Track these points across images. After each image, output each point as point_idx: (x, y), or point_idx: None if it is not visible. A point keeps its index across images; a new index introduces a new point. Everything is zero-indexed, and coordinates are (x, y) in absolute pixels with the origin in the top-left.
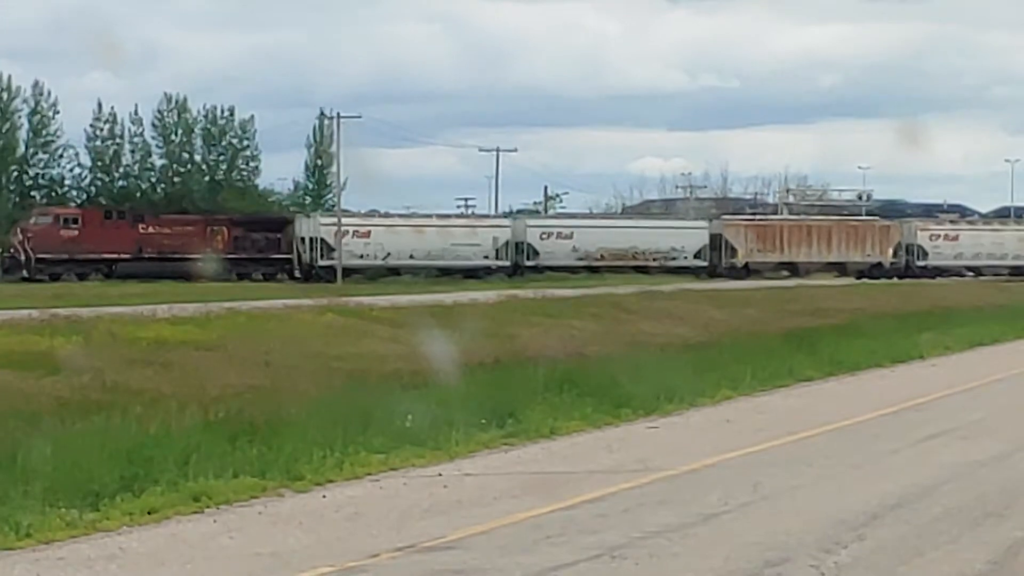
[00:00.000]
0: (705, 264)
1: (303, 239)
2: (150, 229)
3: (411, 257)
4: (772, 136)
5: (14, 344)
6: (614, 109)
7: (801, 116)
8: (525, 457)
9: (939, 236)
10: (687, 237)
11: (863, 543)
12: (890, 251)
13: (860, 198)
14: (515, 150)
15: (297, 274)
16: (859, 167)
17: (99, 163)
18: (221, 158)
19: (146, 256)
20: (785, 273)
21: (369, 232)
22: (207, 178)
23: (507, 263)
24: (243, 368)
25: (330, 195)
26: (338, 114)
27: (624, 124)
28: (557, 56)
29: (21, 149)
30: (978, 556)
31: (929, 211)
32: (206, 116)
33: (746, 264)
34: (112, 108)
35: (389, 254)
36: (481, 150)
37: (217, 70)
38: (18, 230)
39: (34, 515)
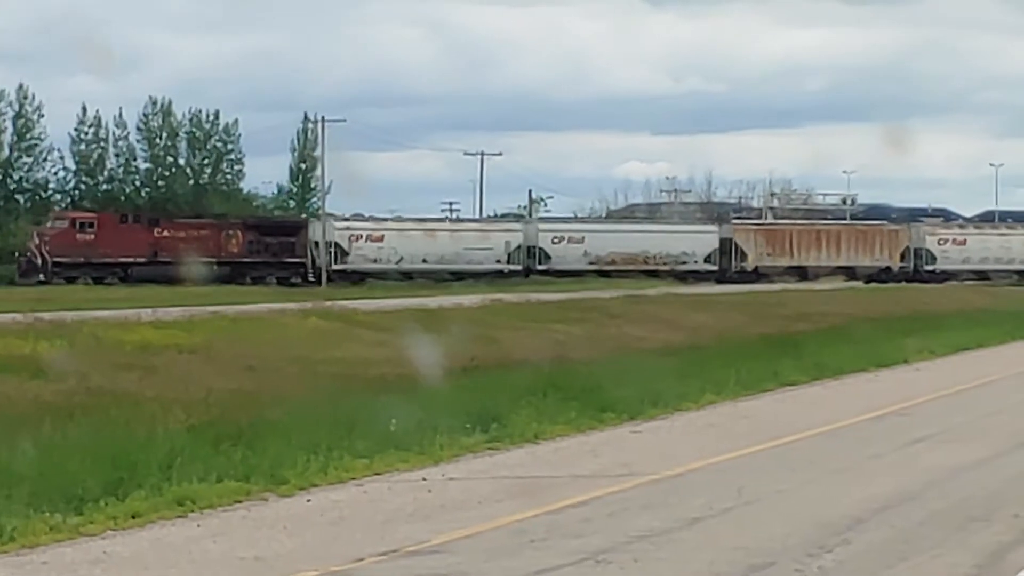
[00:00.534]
0: (715, 268)
1: (317, 243)
2: (165, 233)
3: (424, 261)
4: (757, 140)
5: None
6: (599, 113)
7: (786, 120)
8: (509, 461)
9: (947, 240)
10: (697, 241)
11: (848, 547)
12: (898, 255)
13: (845, 202)
14: (500, 154)
15: (311, 278)
16: (844, 171)
17: (83, 166)
18: (206, 162)
19: (161, 260)
20: (794, 278)
21: (382, 236)
22: (191, 181)
23: (519, 267)
24: (227, 372)
25: (314, 199)
26: (323, 118)
27: (609, 128)
28: (542, 60)
29: (5, 152)
30: (963, 560)
31: (914, 215)
32: (191, 120)
33: (756, 268)
34: (97, 111)
35: (402, 258)
36: (466, 154)
37: (202, 74)
38: (35, 234)
39: (18, 519)
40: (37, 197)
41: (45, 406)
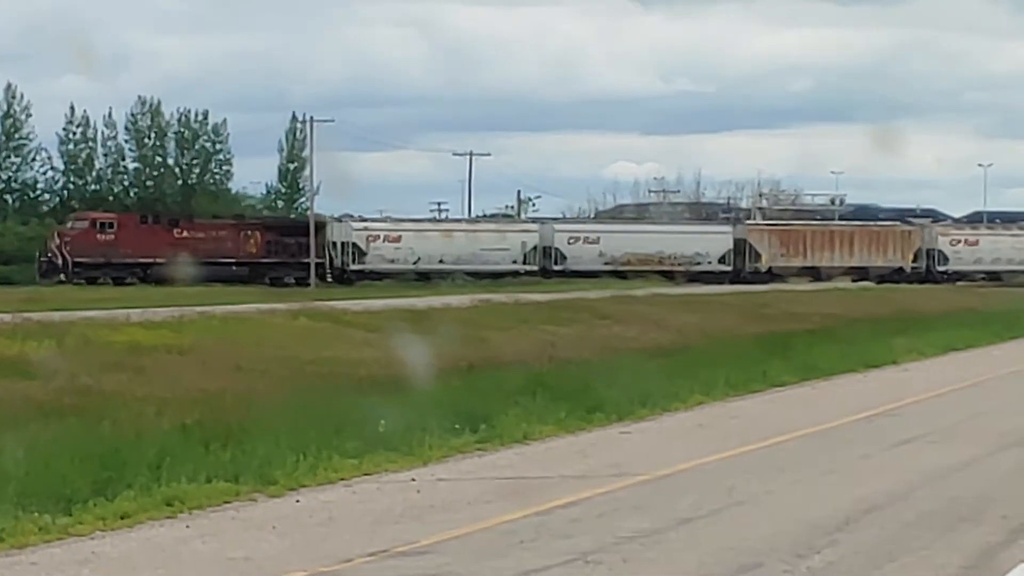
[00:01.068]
0: (729, 269)
1: (335, 243)
2: (185, 233)
3: (440, 261)
4: (745, 141)
5: None
6: (588, 113)
7: (775, 121)
8: (499, 462)
9: (959, 241)
10: (712, 242)
11: (836, 548)
12: (911, 256)
13: (833, 203)
14: (489, 154)
15: (329, 278)
16: (832, 172)
17: (72, 166)
18: (194, 161)
19: (181, 260)
20: (808, 278)
21: (399, 237)
22: (180, 182)
23: (535, 267)
24: (216, 372)
25: (303, 199)
26: (311, 118)
27: (598, 128)
28: (531, 60)
29: None
30: (952, 561)
31: (902, 216)
32: (179, 119)
33: (770, 269)
34: (85, 111)
35: (419, 258)
36: (455, 154)
37: (190, 74)
38: (55, 234)
39: (6, 519)
40: (25, 197)
41: (33, 406)
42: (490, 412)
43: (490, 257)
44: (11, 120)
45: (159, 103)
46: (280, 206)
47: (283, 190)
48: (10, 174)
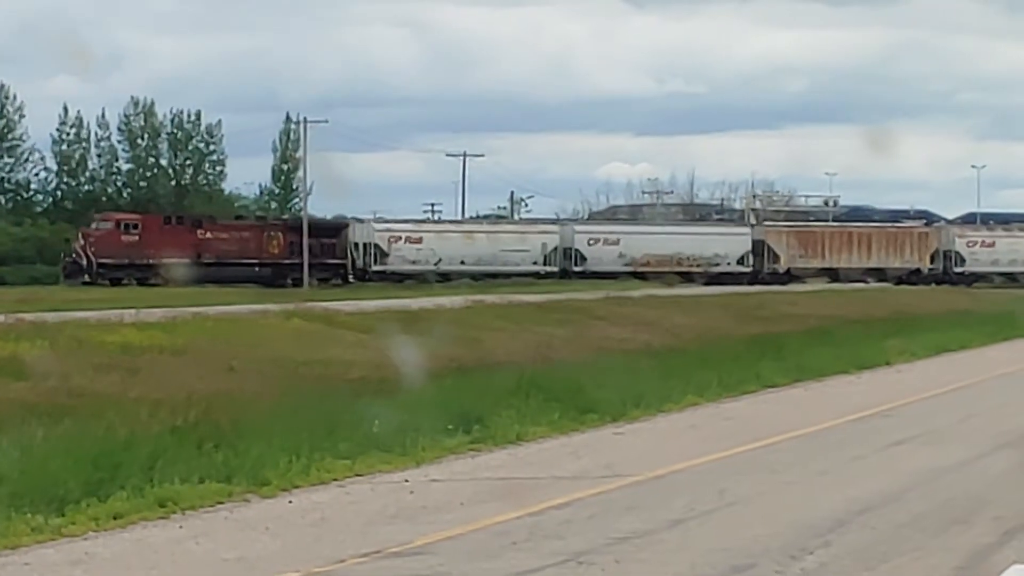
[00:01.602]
0: (748, 270)
1: (357, 244)
2: (208, 235)
3: (462, 263)
4: (739, 142)
5: None
6: (581, 114)
7: (768, 122)
8: (491, 463)
9: (976, 242)
10: (730, 243)
11: (829, 549)
12: (928, 257)
13: (827, 204)
14: (482, 155)
15: (351, 279)
16: (826, 173)
17: (65, 167)
18: (187, 162)
19: (204, 261)
20: (826, 279)
21: (421, 238)
22: (173, 182)
23: (555, 268)
24: (209, 373)
25: (296, 200)
26: (305, 119)
27: (591, 129)
28: (524, 61)
29: None
30: (944, 562)
31: (896, 217)
32: (172, 120)
33: (788, 270)
34: (78, 112)
35: (440, 259)
36: (448, 155)
37: (184, 74)
38: (80, 235)
39: (0, 520)
40: (19, 198)
41: (26, 407)
42: (483, 413)
43: (511, 258)
44: (4, 121)
45: (152, 104)
46: (273, 207)
47: (276, 191)
48: (3, 175)
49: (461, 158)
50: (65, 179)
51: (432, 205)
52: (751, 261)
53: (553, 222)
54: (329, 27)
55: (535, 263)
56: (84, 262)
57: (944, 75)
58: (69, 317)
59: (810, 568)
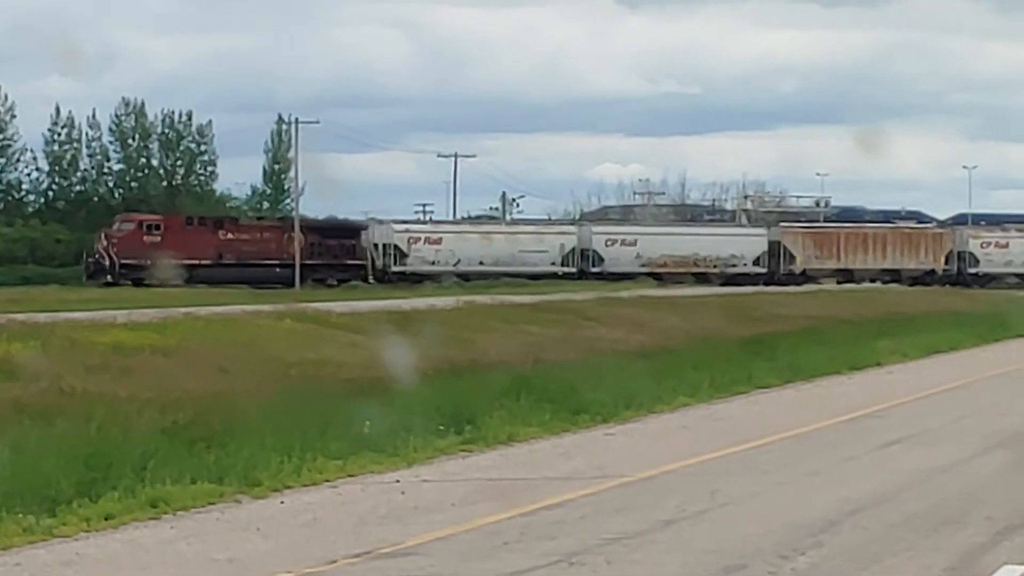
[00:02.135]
0: (764, 271)
1: (376, 245)
2: (229, 235)
3: (480, 264)
4: (731, 142)
5: None
6: (573, 115)
7: (760, 122)
8: (483, 463)
9: (990, 244)
10: (747, 244)
11: (821, 550)
12: (943, 258)
13: (818, 204)
14: (474, 156)
15: (371, 279)
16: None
17: (56, 167)
18: (178, 163)
19: (225, 262)
20: (842, 280)
21: (440, 239)
22: (164, 183)
23: (573, 269)
24: (201, 373)
25: (288, 200)
26: (296, 119)
27: (583, 130)
28: (516, 61)
29: None
30: (936, 562)
31: (888, 217)
32: (164, 120)
33: (804, 271)
34: (70, 112)
35: (459, 260)
36: (440, 155)
37: (175, 75)
38: (102, 236)
39: None
40: (10, 198)
41: (18, 407)
42: (475, 413)
43: (529, 259)
44: None
45: (143, 104)
46: (265, 207)
47: (268, 191)
48: None
49: (453, 159)
50: (56, 179)
51: (424, 206)
52: (767, 262)
53: (571, 223)
54: (321, 27)
55: (553, 264)
56: (107, 263)
57: (936, 76)
58: (61, 318)
59: (802, 569)
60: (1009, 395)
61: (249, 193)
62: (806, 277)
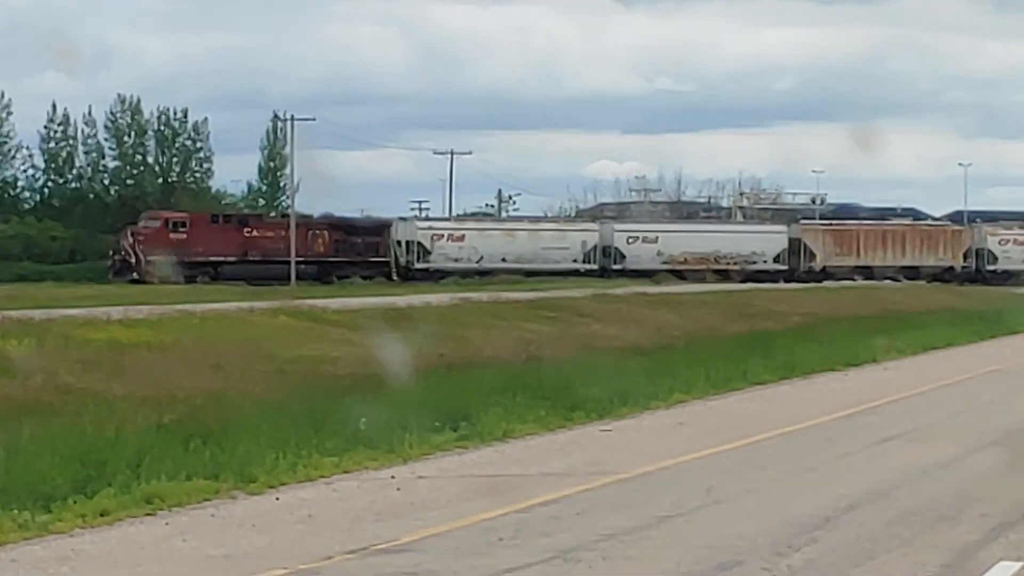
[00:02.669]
0: (784, 268)
1: (400, 242)
2: (254, 233)
3: (503, 260)
4: (726, 140)
5: None
6: (569, 112)
7: (756, 120)
8: (479, 460)
9: (1008, 241)
10: (767, 242)
11: (816, 546)
12: (961, 255)
13: (814, 202)
14: (470, 153)
15: (394, 276)
16: (813, 171)
17: (52, 165)
18: (174, 160)
19: (251, 259)
20: (861, 277)
21: (463, 236)
22: (160, 180)
23: (595, 266)
24: (196, 370)
25: (283, 197)
26: (292, 116)
27: (579, 127)
28: (512, 59)
29: None
30: (931, 559)
31: (883, 215)
32: (159, 118)
33: (824, 268)
34: (66, 109)
35: (482, 257)
36: (435, 153)
37: (171, 72)
38: (128, 233)
39: None
40: (6, 195)
41: (13, 404)
42: (470, 410)
43: (551, 256)
44: None
45: (139, 101)
46: (261, 204)
47: (264, 189)
48: None
49: (448, 156)
50: (52, 176)
51: (420, 203)
52: (787, 259)
53: (593, 220)
54: (316, 25)
55: (575, 261)
56: (133, 260)
57: (932, 73)
58: (56, 315)
59: (797, 565)
60: (1004, 392)
61: (245, 190)
62: (826, 274)
